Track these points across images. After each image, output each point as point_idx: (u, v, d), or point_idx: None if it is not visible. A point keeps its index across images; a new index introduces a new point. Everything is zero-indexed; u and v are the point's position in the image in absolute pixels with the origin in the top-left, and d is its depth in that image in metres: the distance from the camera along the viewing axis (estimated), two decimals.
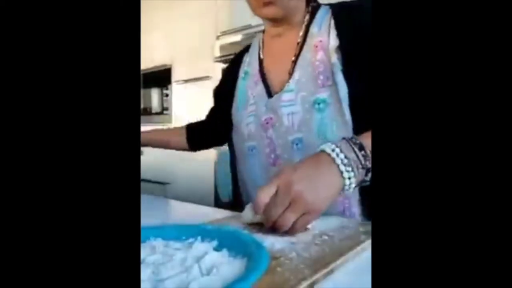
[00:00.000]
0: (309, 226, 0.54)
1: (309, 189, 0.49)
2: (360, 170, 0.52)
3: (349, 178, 0.52)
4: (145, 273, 0.36)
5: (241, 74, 0.86)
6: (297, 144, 0.71)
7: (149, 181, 3.11)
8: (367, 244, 0.49)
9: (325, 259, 0.43)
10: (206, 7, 2.76)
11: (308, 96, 0.69)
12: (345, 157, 0.52)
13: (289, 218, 0.49)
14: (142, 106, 3.33)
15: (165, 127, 3.06)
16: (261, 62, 0.82)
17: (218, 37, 2.65)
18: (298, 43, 0.75)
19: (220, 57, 2.58)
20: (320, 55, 0.70)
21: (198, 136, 1.04)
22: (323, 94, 0.68)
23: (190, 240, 0.46)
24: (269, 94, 0.76)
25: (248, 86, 0.82)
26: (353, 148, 0.53)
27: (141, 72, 3.28)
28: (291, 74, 0.73)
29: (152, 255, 0.41)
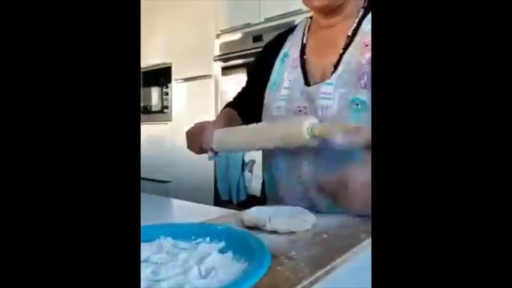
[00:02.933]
0: (309, 225, 0.55)
1: None
2: None
3: None
4: (145, 272, 0.36)
5: (280, 55, 0.82)
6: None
7: (150, 179, 3.10)
8: (367, 242, 0.49)
9: (325, 258, 0.43)
10: (206, 6, 2.76)
11: (347, 94, 0.66)
12: None
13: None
14: (142, 104, 3.33)
15: (165, 125, 3.08)
16: (303, 47, 0.79)
17: (218, 36, 2.64)
18: (348, 36, 0.71)
19: (220, 55, 2.57)
20: (369, 55, 0.67)
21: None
22: (363, 96, 0.65)
23: (199, 240, 0.46)
24: (306, 81, 0.74)
25: (286, 68, 0.79)
26: None
27: (141, 71, 3.28)
28: (335, 67, 0.70)
29: (158, 254, 0.41)
